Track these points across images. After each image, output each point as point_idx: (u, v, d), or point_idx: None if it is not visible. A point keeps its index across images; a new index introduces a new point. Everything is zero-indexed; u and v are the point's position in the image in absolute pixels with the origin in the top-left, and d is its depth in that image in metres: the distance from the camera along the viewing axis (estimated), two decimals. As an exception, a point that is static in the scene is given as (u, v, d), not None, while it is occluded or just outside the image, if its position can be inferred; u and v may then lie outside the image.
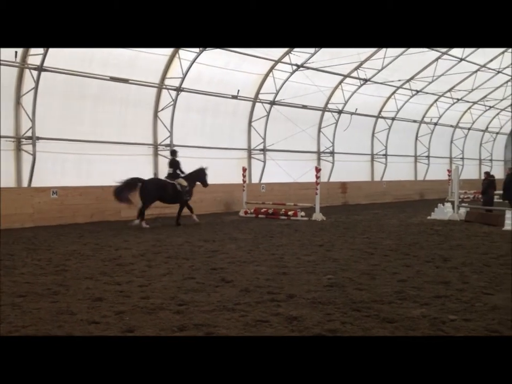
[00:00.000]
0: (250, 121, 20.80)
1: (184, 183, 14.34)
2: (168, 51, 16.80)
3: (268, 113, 20.94)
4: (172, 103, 17.57)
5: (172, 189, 14.03)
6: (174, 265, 7.99)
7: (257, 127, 20.88)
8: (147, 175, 15.49)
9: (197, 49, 16.67)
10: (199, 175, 14.98)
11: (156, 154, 17.93)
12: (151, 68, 16.88)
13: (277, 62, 19.37)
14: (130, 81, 16.49)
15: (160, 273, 7.35)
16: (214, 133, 19.58)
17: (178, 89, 17.52)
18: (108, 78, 15.83)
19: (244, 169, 18.01)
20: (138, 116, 17.39)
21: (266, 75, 19.91)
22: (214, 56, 17.61)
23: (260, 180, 21.00)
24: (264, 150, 21.07)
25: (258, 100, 20.43)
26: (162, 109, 17.69)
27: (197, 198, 17.22)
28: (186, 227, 13.74)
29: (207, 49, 16.76)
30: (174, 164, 14.51)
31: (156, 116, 17.76)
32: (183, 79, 17.30)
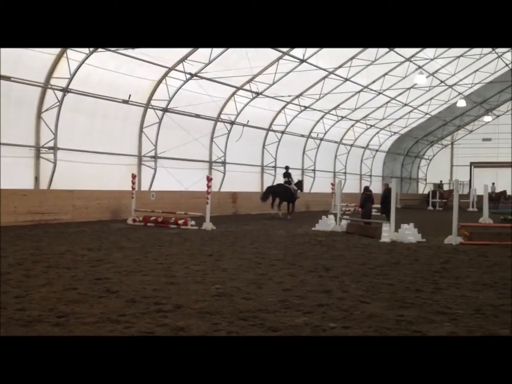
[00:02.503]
0: (141, 127, 20.37)
1: (295, 187, 21.97)
2: (55, 50, 15.95)
3: (160, 120, 20.66)
4: (58, 104, 16.69)
5: (290, 191, 21.55)
6: (54, 275, 7.54)
7: (149, 134, 20.50)
8: (27, 179, 14.51)
9: (86, 50, 16.02)
10: (299, 184, 23.48)
11: (37, 157, 16.88)
12: (36, 66, 15.91)
13: (170, 69, 19.22)
14: (12, 78, 15.41)
15: (39, 283, 6.90)
16: (103, 137, 18.89)
17: (65, 90, 16.69)
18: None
19: (133, 176, 17.56)
20: (20, 116, 16.28)
21: (160, 81, 19.66)
22: (105, 58, 17.05)
23: (150, 187, 20.61)
24: (155, 157, 20.73)
25: (150, 106, 20.10)
26: (46, 110, 16.72)
27: (82, 204, 16.49)
28: (69, 235, 13.07)
29: (97, 50, 16.18)
30: (287, 175, 22.18)
31: (39, 116, 16.75)
32: (70, 79, 16.51)
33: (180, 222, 15.94)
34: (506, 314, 5.71)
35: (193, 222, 15.95)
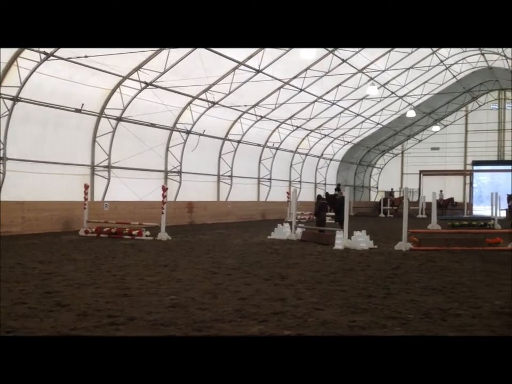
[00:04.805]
0: (94, 137, 20.02)
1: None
2: (6, 58, 15.51)
3: (114, 129, 20.37)
4: (7, 113, 16.20)
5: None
6: (3, 289, 7.30)
7: (102, 143, 20.17)
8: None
9: (37, 58, 15.67)
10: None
11: (-15, 167, 16.33)
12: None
13: (125, 78, 19.01)
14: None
15: (-14, 298, 6.67)
16: (54, 147, 18.45)
17: (15, 99, 16.24)
18: None
19: (86, 186, 17.23)
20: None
21: (114, 90, 19.41)
22: (57, 67, 16.71)
23: (103, 197, 20.24)
24: (108, 167, 20.39)
25: (104, 115, 19.79)
26: (-5, 119, 16.21)
27: (32, 215, 16.06)
28: (19, 247, 12.67)
29: (49, 59, 15.85)
30: (338, 191, 23.50)
31: (-13, 125, 16.21)
32: (20, 88, 16.08)
33: (134, 232, 15.72)
34: (454, 317, 5.93)
35: (148, 233, 15.76)
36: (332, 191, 37.68)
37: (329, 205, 24.31)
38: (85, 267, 9.64)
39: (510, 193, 32.78)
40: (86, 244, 13.93)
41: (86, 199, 17.08)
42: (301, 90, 25.37)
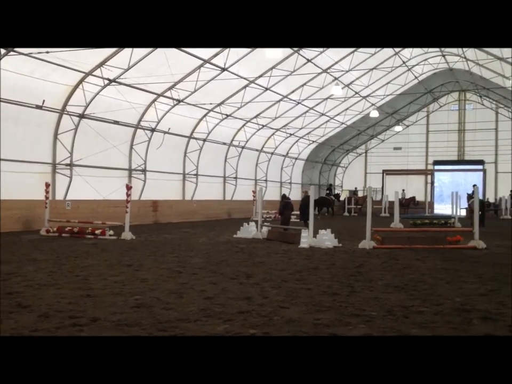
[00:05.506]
0: (56, 134, 19.57)
1: (333, 198, 34.75)
2: (-39, 51, 15.00)
3: (77, 126, 19.96)
4: (-37, 108, 15.68)
5: (328, 200, 33.23)
6: (-42, 291, 7.06)
7: (64, 141, 19.72)
8: None
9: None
10: (337, 196, 37.35)
11: None
12: None
13: (87, 74, 18.64)
14: None
15: None
16: (14, 144, 17.92)
17: (-28, 94, 15.73)
18: None
19: (47, 185, 16.83)
20: None
21: (76, 87, 19.00)
22: (18, 62, 16.25)
23: (65, 196, 19.81)
24: (71, 165, 19.97)
25: (66, 112, 19.36)
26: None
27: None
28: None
29: (9, 54, 15.39)
30: (329, 189, 35.60)
31: None
32: (-22, 83, 15.59)
33: (97, 232, 15.44)
34: (416, 315, 6.06)
35: (111, 232, 15.51)
36: (297, 190, 38.26)
37: (319, 205, 30.62)
38: (46, 267, 9.42)
39: (470, 192, 33.69)
40: (47, 244, 13.60)
41: (47, 197, 16.69)
42: (267, 89, 25.44)
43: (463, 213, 29.57)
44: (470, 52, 27.92)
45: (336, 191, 40.53)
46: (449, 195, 28.54)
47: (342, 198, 39.21)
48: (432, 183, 42.55)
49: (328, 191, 35.70)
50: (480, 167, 40.65)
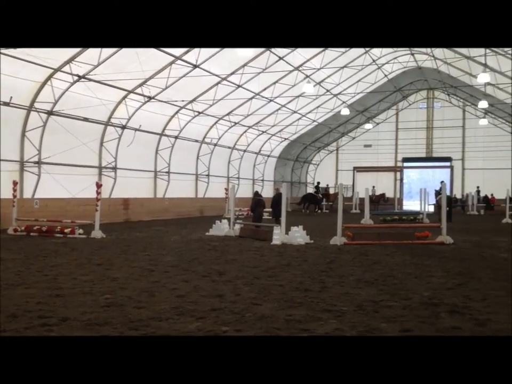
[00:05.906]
0: (24, 131, 19.15)
1: (321, 196, 35.73)
2: None
3: (45, 123, 19.57)
4: None
5: (316, 197, 34.56)
6: None
7: (32, 138, 19.31)
8: None
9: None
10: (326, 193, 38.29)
11: None
12: None
13: (56, 70, 18.29)
14: None
15: None
16: (-21, 141, 17.50)
17: None
18: None
19: (15, 183, 16.50)
20: None
21: (44, 83, 18.63)
22: (-18, 57, 15.84)
23: (33, 194, 19.42)
24: (39, 163, 19.58)
25: (33, 109, 18.97)
26: None
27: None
28: None
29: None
30: (317, 188, 35.43)
31: None
32: None
33: (67, 230, 15.21)
34: (386, 309, 6.17)
35: (81, 231, 15.30)
36: (269, 187, 38.36)
37: (306, 201, 33.33)
38: (14, 267, 9.24)
39: (437, 188, 34.36)
40: (15, 243, 13.33)
41: (14, 196, 16.37)
42: (239, 86, 25.40)
43: (431, 209, 30.13)
44: (438, 51, 28.45)
45: (330, 191, 40.72)
46: (418, 191, 29.04)
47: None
48: (401, 179, 43.24)
49: (315, 190, 35.95)
50: (447, 164, 41.52)
